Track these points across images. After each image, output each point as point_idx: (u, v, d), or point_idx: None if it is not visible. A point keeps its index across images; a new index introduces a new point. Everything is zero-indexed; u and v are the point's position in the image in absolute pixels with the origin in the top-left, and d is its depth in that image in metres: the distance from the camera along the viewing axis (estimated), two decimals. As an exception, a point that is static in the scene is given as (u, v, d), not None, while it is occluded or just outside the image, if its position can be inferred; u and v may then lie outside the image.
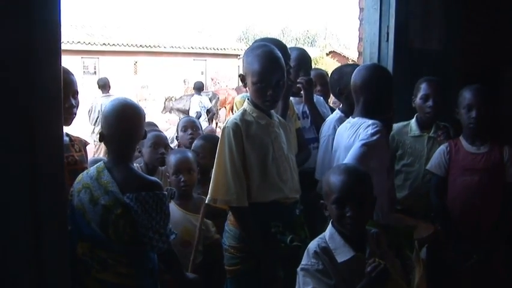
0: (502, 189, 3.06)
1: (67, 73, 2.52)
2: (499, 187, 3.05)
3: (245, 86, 2.64)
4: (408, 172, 3.30)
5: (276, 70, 2.51)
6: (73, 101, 2.51)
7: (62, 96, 2.01)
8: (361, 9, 4.12)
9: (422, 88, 3.28)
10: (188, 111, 12.36)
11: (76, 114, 2.56)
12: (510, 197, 3.06)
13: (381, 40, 3.78)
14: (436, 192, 3.14)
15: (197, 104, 12.09)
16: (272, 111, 2.67)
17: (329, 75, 3.91)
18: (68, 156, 2.50)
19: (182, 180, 3.02)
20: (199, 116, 11.58)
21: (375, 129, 2.58)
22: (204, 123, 11.65)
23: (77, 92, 2.57)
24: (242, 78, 2.62)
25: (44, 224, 1.83)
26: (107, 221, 2.20)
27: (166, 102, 13.82)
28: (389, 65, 3.74)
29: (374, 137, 2.54)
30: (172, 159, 3.11)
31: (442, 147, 3.15)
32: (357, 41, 4.21)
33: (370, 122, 2.64)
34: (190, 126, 3.89)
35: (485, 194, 3.02)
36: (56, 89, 1.87)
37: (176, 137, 4.14)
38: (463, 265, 3.00)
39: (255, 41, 3.15)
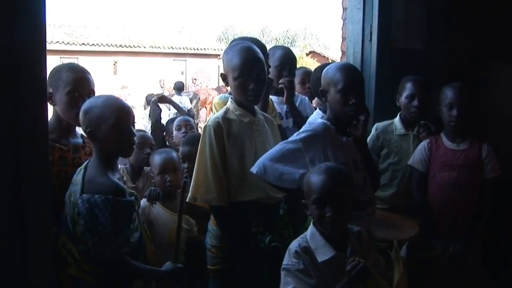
0: (480, 185, 3.11)
1: (83, 72, 2.51)
2: (477, 183, 3.10)
3: (227, 85, 2.64)
4: (395, 170, 3.31)
5: (255, 64, 2.52)
6: None
7: (47, 96, 2.00)
8: (344, 9, 4.13)
9: (408, 87, 3.28)
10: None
11: None
12: (488, 192, 3.12)
13: (365, 40, 3.80)
14: (417, 187, 3.18)
15: (176, 105, 11.93)
16: (257, 108, 2.67)
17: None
18: (75, 158, 2.49)
19: (168, 180, 3.02)
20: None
21: (303, 129, 2.54)
22: (184, 123, 11.55)
23: (93, 92, 2.51)
24: (223, 77, 2.62)
25: (30, 223, 1.82)
26: (74, 218, 2.18)
27: (147, 98, 13.48)
28: (372, 64, 3.78)
29: (297, 137, 2.47)
30: (157, 159, 3.09)
31: (423, 143, 3.20)
32: (340, 41, 4.22)
33: (313, 120, 2.61)
34: (184, 125, 3.94)
35: (463, 190, 3.07)
36: (41, 90, 1.86)
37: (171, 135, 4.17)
38: (441, 257, 3.02)
39: (233, 40, 3.15)
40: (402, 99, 3.31)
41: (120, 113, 2.26)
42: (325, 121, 2.55)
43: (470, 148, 3.12)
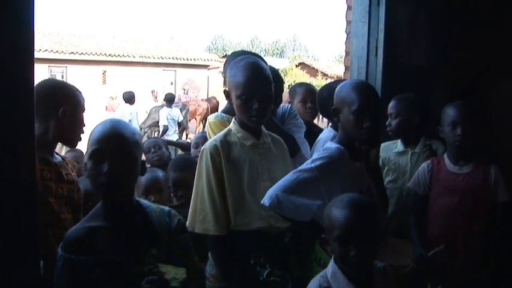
0: (487, 211, 2.91)
1: (77, 91, 2.51)
2: (482, 210, 2.91)
3: (230, 103, 2.47)
4: (393, 189, 3.18)
5: (261, 81, 2.33)
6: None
7: (34, 109, 1.91)
8: (348, 22, 4.02)
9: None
10: (158, 123, 12.08)
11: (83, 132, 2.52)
12: (496, 218, 2.93)
13: (370, 54, 3.67)
14: (414, 211, 3.01)
15: (165, 117, 11.68)
16: (264, 130, 2.48)
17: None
18: (68, 174, 2.45)
19: (152, 200, 2.88)
20: (165, 129, 11.27)
21: (318, 156, 2.35)
22: (174, 135, 11.42)
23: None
24: (227, 94, 2.45)
25: (15, 242, 1.79)
26: None
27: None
28: (378, 80, 3.64)
29: (313, 164, 2.29)
30: (141, 179, 2.95)
31: (424, 165, 3.04)
32: (344, 55, 4.13)
33: (328, 145, 2.45)
34: (151, 146, 3.91)
35: (464, 217, 2.87)
36: (29, 102, 1.80)
37: None
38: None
39: (233, 53, 3.02)
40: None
41: None
42: (339, 146, 2.38)
43: (474, 172, 2.91)
